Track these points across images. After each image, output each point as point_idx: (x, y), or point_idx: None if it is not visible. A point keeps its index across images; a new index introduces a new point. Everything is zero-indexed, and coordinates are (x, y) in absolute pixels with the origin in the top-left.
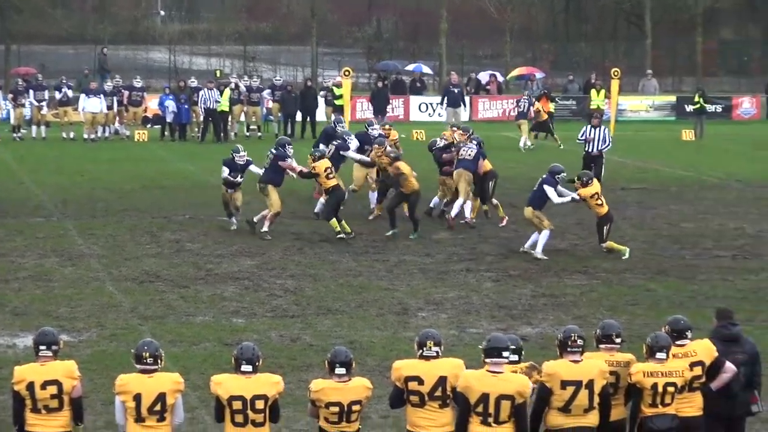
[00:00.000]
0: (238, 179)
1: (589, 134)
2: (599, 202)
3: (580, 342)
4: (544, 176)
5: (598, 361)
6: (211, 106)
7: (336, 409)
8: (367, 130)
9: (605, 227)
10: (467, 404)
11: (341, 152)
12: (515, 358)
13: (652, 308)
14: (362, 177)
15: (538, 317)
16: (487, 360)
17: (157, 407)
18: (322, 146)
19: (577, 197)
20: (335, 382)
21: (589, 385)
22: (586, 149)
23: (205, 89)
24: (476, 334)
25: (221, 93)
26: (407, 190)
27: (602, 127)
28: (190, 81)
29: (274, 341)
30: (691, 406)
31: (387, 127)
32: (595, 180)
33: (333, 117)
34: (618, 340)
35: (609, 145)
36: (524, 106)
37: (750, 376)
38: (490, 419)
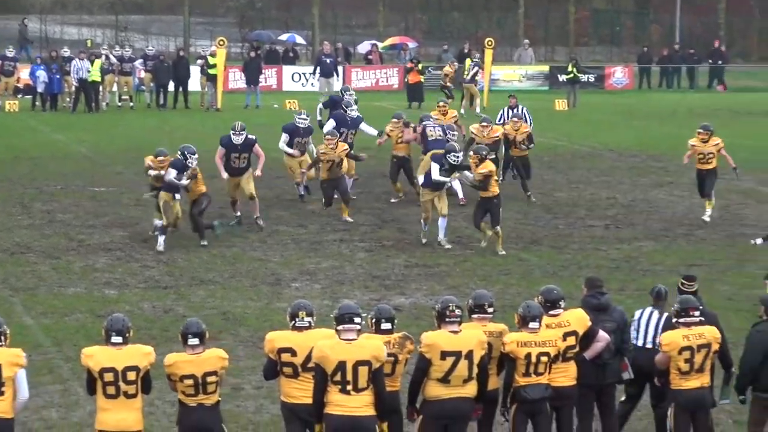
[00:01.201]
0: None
1: (507, 116)
2: (495, 178)
3: (458, 312)
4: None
5: (476, 332)
6: (83, 76)
7: (190, 381)
8: (343, 95)
9: (500, 209)
10: (324, 375)
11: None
12: (389, 326)
13: (525, 278)
14: (296, 166)
15: (411, 287)
16: (339, 327)
17: None
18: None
19: (468, 178)
20: (188, 354)
21: (469, 355)
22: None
23: (77, 59)
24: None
25: (92, 63)
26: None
27: (520, 107)
28: (63, 51)
29: (146, 312)
30: (565, 376)
31: (442, 104)
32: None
33: (341, 86)
34: (490, 310)
35: (529, 125)
36: (471, 73)
37: (619, 344)
38: (349, 387)
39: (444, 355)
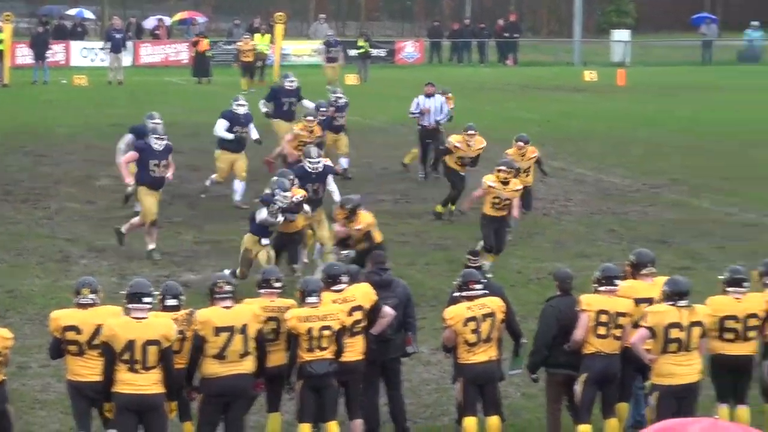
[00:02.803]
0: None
1: (424, 105)
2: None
3: (227, 288)
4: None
5: (250, 306)
6: None
7: None
8: (283, 83)
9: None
10: (113, 354)
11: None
12: (174, 303)
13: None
14: (227, 167)
15: (200, 263)
16: (130, 305)
17: None
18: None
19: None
20: None
21: (243, 329)
22: (421, 123)
23: None
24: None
25: None
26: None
27: (437, 95)
28: None
29: None
30: (353, 350)
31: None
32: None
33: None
34: (277, 285)
35: (446, 116)
36: (334, 50)
37: (403, 319)
38: (138, 366)
39: (218, 331)
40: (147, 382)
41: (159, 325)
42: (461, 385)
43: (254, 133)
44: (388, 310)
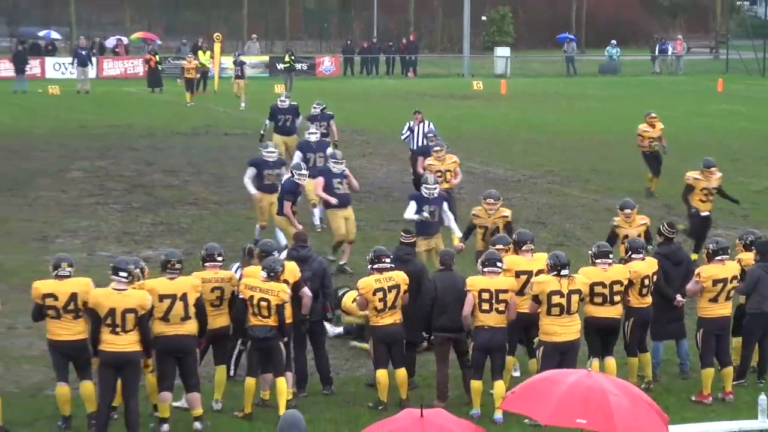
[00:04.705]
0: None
1: (414, 130)
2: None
3: (178, 266)
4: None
5: (190, 278)
6: None
7: None
8: (277, 102)
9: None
10: (98, 317)
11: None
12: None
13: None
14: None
15: (157, 242)
16: (113, 277)
17: None
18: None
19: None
20: None
21: (183, 297)
22: (411, 147)
23: None
24: (105, 257)
25: None
26: None
27: (426, 122)
28: None
29: None
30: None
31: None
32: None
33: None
34: (220, 259)
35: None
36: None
37: (319, 288)
38: (118, 329)
39: (162, 297)
40: (126, 342)
41: (136, 296)
42: (372, 343)
43: (286, 176)
44: (305, 291)
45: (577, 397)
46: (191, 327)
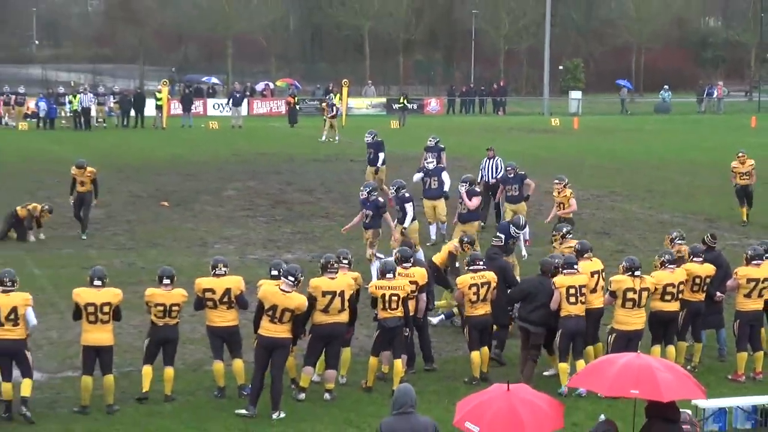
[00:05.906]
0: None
1: (485, 166)
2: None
3: (336, 265)
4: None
5: (347, 277)
6: (86, 105)
7: (161, 308)
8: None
9: None
10: (262, 308)
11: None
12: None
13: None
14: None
15: (296, 247)
16: (283, 279)
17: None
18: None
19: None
20: (162, 290)
21: (342, 294)
22: (486, 179)
23: (80, 94)
24: (254, 260)
25: (74, 97)
26: None
27: (496, 158)
28: (58, 89)
29: (116, 266)
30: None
31: (557, 182)
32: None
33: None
34: (345, 262)
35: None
36: (331, 108)
37: (425, 287)
38: (276, 321)
39: (324, 293)
40: (280, 330)
41: (296, 299)
42: (467, 330)
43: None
44: (422, 297)
45: (629, 373)
46: (345, 317)
